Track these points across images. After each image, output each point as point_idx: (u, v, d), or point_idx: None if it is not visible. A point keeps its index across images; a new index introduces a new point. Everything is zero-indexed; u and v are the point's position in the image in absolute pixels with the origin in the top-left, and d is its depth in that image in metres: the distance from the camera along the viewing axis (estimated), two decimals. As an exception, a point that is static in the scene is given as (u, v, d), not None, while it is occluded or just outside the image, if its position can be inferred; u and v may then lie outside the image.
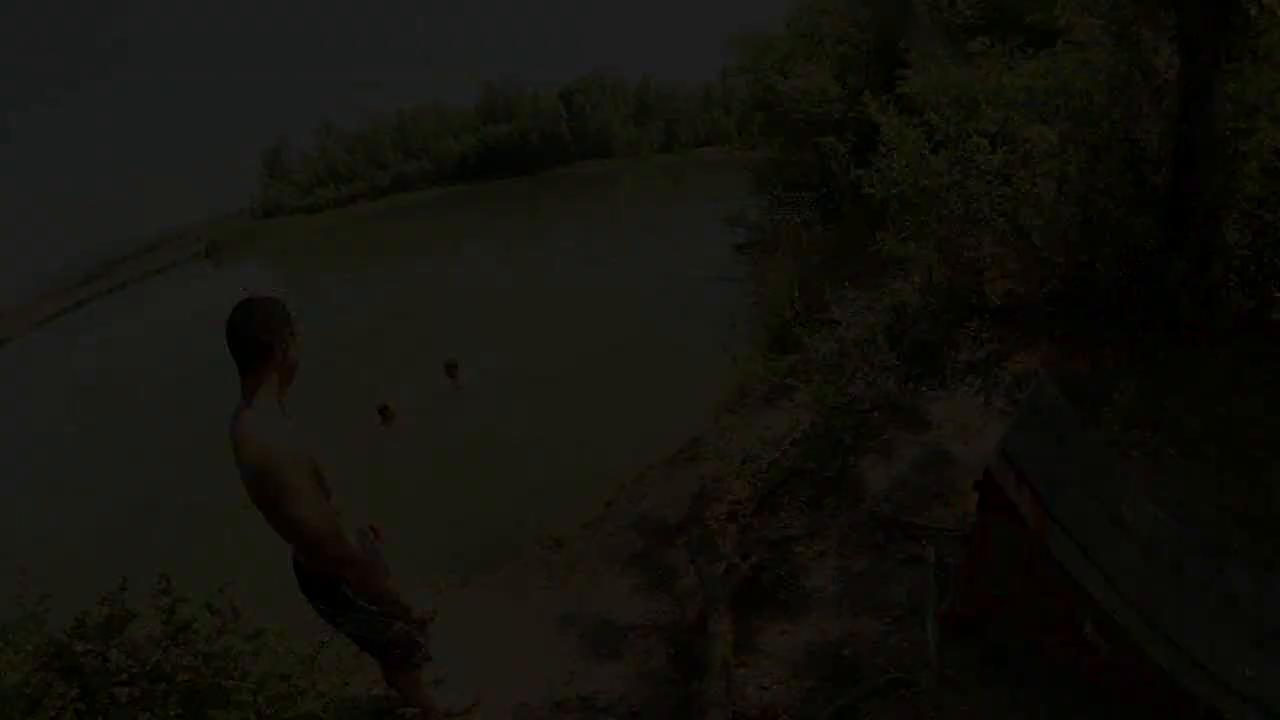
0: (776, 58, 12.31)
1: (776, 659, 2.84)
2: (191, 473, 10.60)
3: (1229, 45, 3.92)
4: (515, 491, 6.94)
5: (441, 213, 51.28)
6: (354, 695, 2.87)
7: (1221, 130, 3.97)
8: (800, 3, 13.20)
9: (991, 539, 2.26)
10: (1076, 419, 2.51)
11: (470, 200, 54.76)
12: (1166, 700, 2.00)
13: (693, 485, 4.40)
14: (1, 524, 10.63)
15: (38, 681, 2.15)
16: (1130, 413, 3.40)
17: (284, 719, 2.53)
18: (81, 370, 23.45)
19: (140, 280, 41.71)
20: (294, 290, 30.74)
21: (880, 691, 2.44)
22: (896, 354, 4.45)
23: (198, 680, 2.34)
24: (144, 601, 2.51)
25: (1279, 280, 4.12)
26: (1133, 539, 2.30)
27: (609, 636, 3.33)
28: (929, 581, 2.76)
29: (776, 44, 12.94)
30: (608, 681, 3.08)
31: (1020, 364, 4.15)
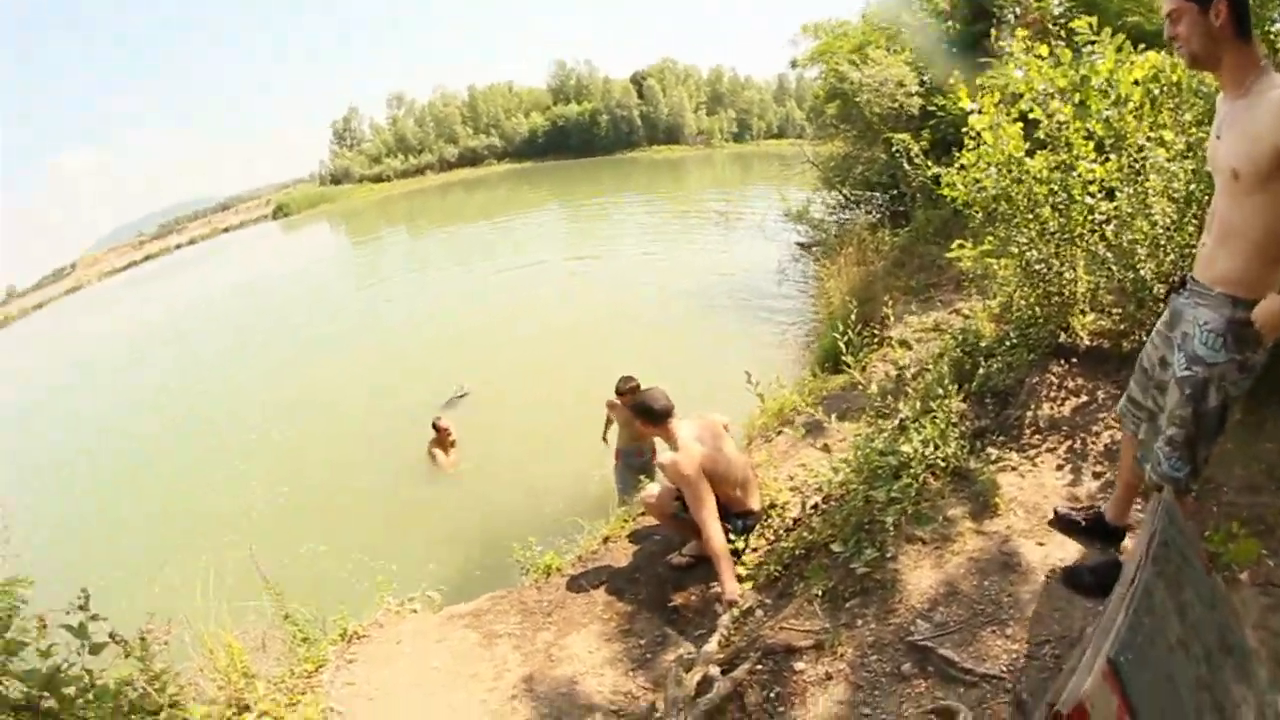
0: (850, 46, 11.53)
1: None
2: (232, 422, 10.67)
3: None
4: (529, 509, 6.44)
5: (507, 187, 51.53)
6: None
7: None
8: (879, -6, 12.38)
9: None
10: (1208, 579, 1.76)
11: (536, 176, 54.95)
12: None
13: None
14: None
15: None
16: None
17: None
18: (144, 318, 24.13)
19: (210, 236, 43.04)
20: (353, 252, 31.08)
21: None
22: (963, 397, 3.72)
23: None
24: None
25: None
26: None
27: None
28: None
29: (851, 33, 12.18)
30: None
31: (1114, 425, 3.36)
